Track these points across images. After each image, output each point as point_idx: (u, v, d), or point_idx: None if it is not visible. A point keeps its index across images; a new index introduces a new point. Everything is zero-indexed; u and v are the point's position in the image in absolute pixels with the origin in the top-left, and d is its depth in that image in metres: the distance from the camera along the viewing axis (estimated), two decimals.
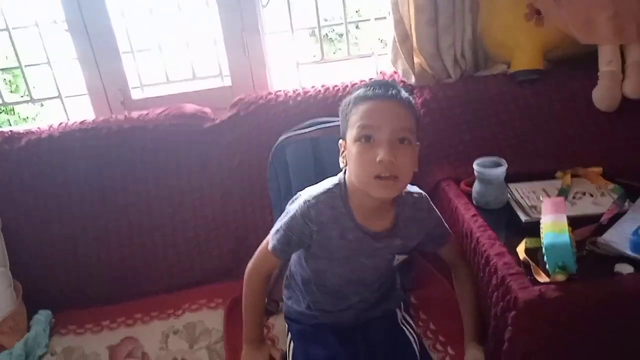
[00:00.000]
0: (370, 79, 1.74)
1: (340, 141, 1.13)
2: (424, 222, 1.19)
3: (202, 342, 1.42)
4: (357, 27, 3.60)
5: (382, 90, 1.06)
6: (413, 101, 1.11)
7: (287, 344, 1.29)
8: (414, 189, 1.19)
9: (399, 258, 1.20)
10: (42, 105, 3.14)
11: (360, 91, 1.09)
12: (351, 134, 1.07)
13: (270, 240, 1.20)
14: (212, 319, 1.49)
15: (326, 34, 4.28)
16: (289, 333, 1.31)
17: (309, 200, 1.12)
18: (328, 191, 1.13)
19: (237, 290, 1.54)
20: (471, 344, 1.20)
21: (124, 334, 1.48)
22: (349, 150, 1.08)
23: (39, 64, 1.85)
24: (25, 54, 1.84)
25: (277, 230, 1.18)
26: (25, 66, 1.85)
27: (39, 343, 1.44)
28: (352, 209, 1.13)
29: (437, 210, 1.23)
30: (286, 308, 1.36)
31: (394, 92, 1.06)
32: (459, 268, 1.29)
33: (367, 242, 1.15)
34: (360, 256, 1.17)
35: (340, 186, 1.13)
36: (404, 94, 1.08)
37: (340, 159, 1.12)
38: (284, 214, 1.19)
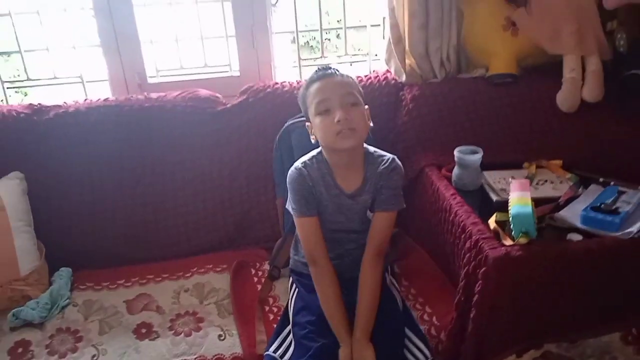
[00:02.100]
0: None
1: (307, 124, 1.39)
2: (384, 177, 1.37)
3: (211, 299, 1.58)
4: (337, 36, 3.80)
5: (323, 72, 1.33)
6: (350, 76, 1.36)
7: (290, 295, 1.48)
8: (388, 154, 1.41)
9: (369, 214, 1.40)
10: (25, 94, 3.22)
11: (308, 79, 1.36)
12: (312, 111, 1.32)
13: (294, 213, 1.39)
14: (218, 281, 1.65)
15: (307, 42, 4.43)
16: (293, 285, 1.50)
17: (298, 166, 1.39)
18: (313, 157, 1.40)
19: (240, 258, 1.73)
20: (362, 342, 1.26)
21: (138, 291, 1.63)
22: (314, 124, 1.34)
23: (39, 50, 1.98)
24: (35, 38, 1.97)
25: (292, 202, 1.39)
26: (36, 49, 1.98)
27: (62, 295, 1.59)
28: (332, 169, 1.37)
29: (401, 181, 1.39)
30: (293, 263, 1.55)
31: (332, 70, 1.33)
32: (371, 253, 1.35)
33: (344, 199, 1.39)
34: (342, 208, 1.40)
35: (321, 153, 1.40)
36: (341, 70, 1.34)
37: (311, 137, 1.38)
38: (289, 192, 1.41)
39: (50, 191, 1.76)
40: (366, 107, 1.36)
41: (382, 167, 1.37)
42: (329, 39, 4.18)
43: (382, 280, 1.38)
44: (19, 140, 1.74)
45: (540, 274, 1.24)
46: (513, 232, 1.27)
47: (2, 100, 2.02)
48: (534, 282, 1.25)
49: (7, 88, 2.03)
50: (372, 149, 1.42)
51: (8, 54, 2.05)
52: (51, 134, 1.76)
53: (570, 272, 1.26)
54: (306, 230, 1.38)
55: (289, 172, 1.40)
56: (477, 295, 1.26)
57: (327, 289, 1.33)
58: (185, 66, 2.08)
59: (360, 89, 1.37)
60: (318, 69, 1.36)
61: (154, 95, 1.85)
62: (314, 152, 1.41)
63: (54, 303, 1.56)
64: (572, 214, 1.37)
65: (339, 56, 2.20)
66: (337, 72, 1.33)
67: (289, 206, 1.42)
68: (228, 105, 1.86)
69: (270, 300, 1.58)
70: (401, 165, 1.40)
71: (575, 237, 1.29)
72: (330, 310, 1.31)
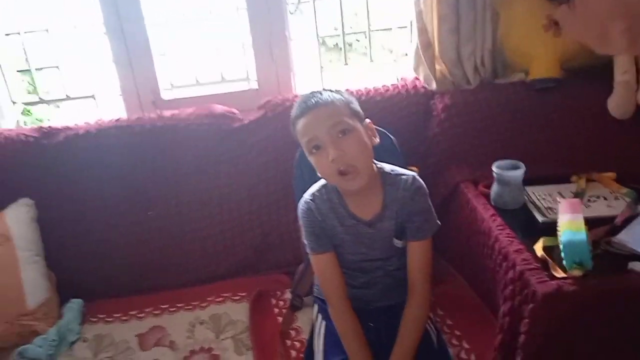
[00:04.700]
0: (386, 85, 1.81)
1: (310, 157, 1.24)
2: (408, 201, 1.23)
3: (228, 333, 1.48)
4: (365, 37, 3.75)
5: (305, 104, 1.18)
6: (338, 94, 1.20)
7: (317, 325, 1.36)
8: (407, 172, 1.26)
9: (397, 242, 1.26)
10: (57, 106, 3.23)
11: (292, 113, 1.22)
12: (305, 150, 1.20)
13: (307, 249, 1.29)
14: (236, 311, 1.55)
15: (336, 44, 4.34)
16: (319, 314, 1.38)
17: (306, 198, 1.28)
18: (322, 187, 1.27)
19: (259, 285, 1.64)
20: None
21: (151, 323, 1.55)
22: (312, 162, 1.20)
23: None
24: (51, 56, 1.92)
25: (304, 237, 1.29)
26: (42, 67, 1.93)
27: (71, 330, 1.51)
28: (344, 198, 1.25)
29: (428, 200, 1.25)
30: (317, 290, 1.42)
31: (314, 100, 1.17)
32: (416, 287, 1.24)
33: (361, 228, 1.25)
34: (362, 238, 1.26)
35: None
36: (325, 96, 1.18)
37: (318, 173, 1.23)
38: None
39: (61, 218, 1.69)
40: (367, 121, 1.22)
41: (403, 189, 1.23)
42: (358, 40, 4.06)
43: (428, 315, 1.27)
44: (27, 165, 1.67)
45: (598, 312, 1.09)
46: (564, 262, 1.12)
47: (17, 121, 1.96)
48: (591, 321, 1.09)
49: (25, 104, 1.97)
50: (388, 167, 1.27)
51: (23, 72, 1.99)
52: (61, 157, 1.69)
53: (634, 309, 1.09)
54: (319, 268, 1.28)
55: (299, 204, 1.29)
56: (523, 336, 1.11)
57: (346, 329, 1.24)
58: (201, 80, 1.99)
59: (354, 105, 1.21)
60: (301, 101, 1.21)
61: (167, 113, 1.75)
62: (323, 182, 1.28)
63: (62, 339, 1.48)
64: (632, 237, 1.20)
65: (370, 61, 2.07)
66: (320, 101, 1.17)
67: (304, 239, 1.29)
68: (245, 122, 1.75)
69: (293, 333, 1.46)
70: (423, 183, 1.26)
71: (638, 266, 1.12)
72: (351, 352, 1.21)
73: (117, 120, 1.74)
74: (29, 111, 3.87)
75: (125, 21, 1.81)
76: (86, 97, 1.96)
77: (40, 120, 4.16)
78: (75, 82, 1.96)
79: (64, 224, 1.68)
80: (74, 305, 1.58)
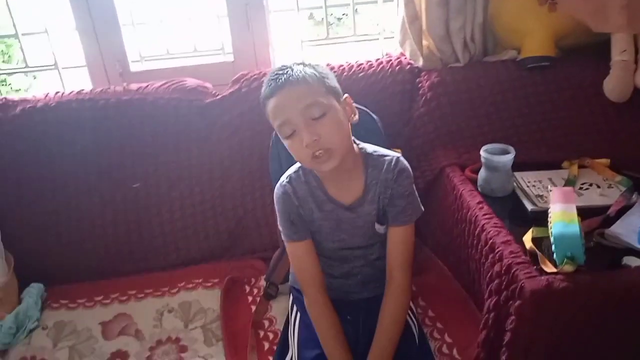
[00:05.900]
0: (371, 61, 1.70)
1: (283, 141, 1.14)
2: (390, 183, 1.14)
3: (198, 322, 1.40)
4: (356, 11, 3.63)
5: (274, 83, 1.06)
6: (311, 68, 1.08)
7: (292, 317, 1.29)
8: (390, 152, 1.17)
9: (379, 228, 1.18)
10: (35, 77, 3.07)
11: (262, 92, 1.10)
12: (278, 133, 1.10)
13: (282, 236, 1.21)
14: (207, 299, 1.47)
15: (322, 19, 4.19)
16: (294, 305, 1.30)
17: (282, 181, 1.19)
18: (300, 169, 1.19)
19: (233, 271, 1.56)
20: None
21: (117, 310, 1.46)
22: (286, 146, 1.10)
23: (35, 33, 1.80)
24: (21, 22, 1.79)
25: (279, 223, 1.21)
26: (22, 35, 1.79)
27: (30, 316, 1.42)
28: (323, 181, 1.17)
29: (412, 183, 1.17)
30: (293, 278, 1.34)
31: (283, 77, 1.05)
32: (394, 276, 1.16)
33: (341, 213, 1.17)
34: (342, 224, 1.18)
35: None
36: (296, 71, 1.06)
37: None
38: None
39: (20, 197, 1.59)
40: (345, 96, 1.12)
41: (386, 171, 1.14)
42: (346, 14, 3.92)
43: (408, 306, 1.20)
44: None
45: (590, 310, 1.01)
46: (555, 256, 1.04)
47: None
48: (582, 319, 1.01)
49: None
50: (370, 148, 1.18)
51: None
52: (18, 132, 1.58)
53: (629, 307, 1.02)
54: (295, 257, 1.20)
55: (275, 189, 1.20)
56: (509, 334, 1.04)
57: (322, 322, 1.16)
58: (172, 51, 1.86)
59: (330, 81, 1.10)
60: (269, 78, 1.08)
61: (133, 86, 1.64)
62: (300, 163, 1.18)
63: (21, 326, 1.39)
64: (627, 230, 1.13)
65: (347, 36, 1.97)
66: (291, 78, 1.05)
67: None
68: (218, 97, 1.64)
69: (266, 324, 1.39)
70: (407, 165, 1.17)
71: (634, 261, 1.05)
72: (328, 346, 1.14)
73: (79, 92, 1.62)
74: (4, 81, 3.69)
75: None
76: (47, 68, 1.81)
77: (18, 91, 4.00)
78: (39, 52, 1.82)
79: (23, 204, 1.58)
80: (34, 290, 1.49)
